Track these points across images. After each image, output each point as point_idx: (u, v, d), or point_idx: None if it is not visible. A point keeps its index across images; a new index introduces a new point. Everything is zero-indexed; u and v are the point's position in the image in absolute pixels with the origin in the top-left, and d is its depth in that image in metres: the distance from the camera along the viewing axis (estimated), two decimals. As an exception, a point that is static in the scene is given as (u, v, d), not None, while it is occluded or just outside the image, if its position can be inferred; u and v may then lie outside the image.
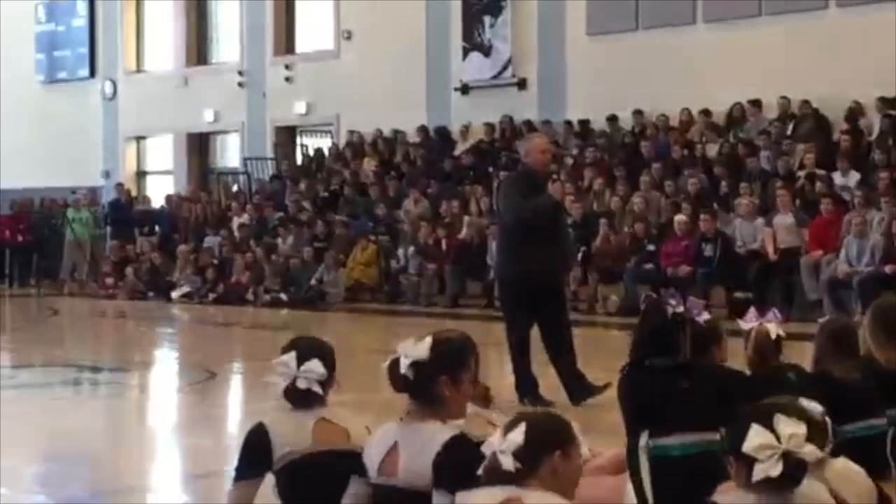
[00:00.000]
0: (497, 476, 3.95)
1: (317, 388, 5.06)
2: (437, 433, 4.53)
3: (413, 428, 4.65)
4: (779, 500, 4.08)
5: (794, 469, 4.05)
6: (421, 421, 4.64)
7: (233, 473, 5.09)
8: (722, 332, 6.66)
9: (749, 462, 4.06)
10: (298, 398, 5.08)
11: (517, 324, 10.57)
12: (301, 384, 5.06)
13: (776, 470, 4.01)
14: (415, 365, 4.62)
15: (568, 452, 4.05)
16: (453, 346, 4.81)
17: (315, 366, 5.05)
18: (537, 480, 3.95)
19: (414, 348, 4.66)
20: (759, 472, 4.04)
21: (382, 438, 4.73)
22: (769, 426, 4.06)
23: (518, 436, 3.94)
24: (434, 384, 4.65)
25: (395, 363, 4.68)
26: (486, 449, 4.08)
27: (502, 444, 3.94)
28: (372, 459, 4.70)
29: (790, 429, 4.06)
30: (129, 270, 25.72)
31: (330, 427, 5.04)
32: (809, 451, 4.05)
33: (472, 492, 4.03)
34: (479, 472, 4.01)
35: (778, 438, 4.04)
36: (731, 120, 22.05)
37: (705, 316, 6.57)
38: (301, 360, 5.07)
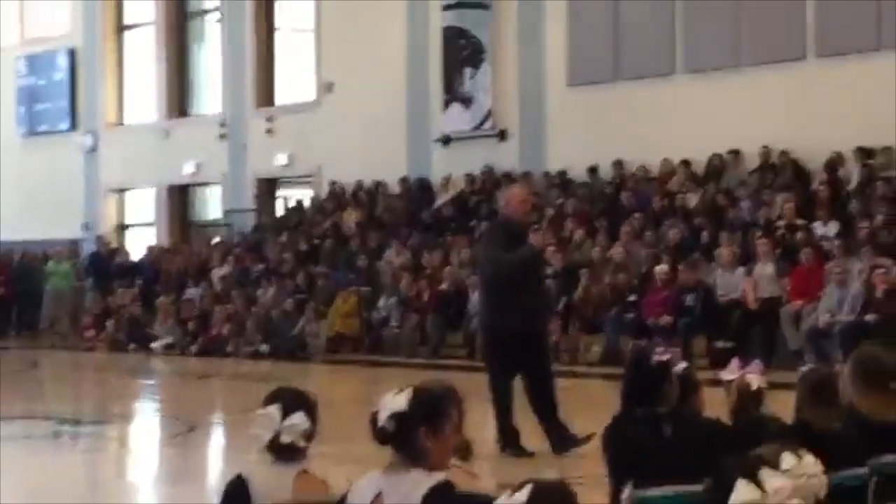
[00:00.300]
0: None
1: (301, 443, 5.04)
2: (421, 482, 4.51)
3: (396, 477, 4.64)
4: None
5: None
6: (405, 470, 4.64)
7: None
8: (699, 382, 6.68)
9: None
10: (281, 452, 5.05)
11: (500, 374, 10.56)
12: (285, 438, 5.03)
13: None
14: (394, 417, 4.62)
15: None
16: (433, 396, 4.81)
17: (299, 419, 5.02)
18: None
19: (393, 400, 4.66)
20: None
21: (366, 487, 4.72)
22: (755, 480, 4.05)
23: (522, 498, 3.86)
24: (414, 436, 4.64)
25: (373, 416, 4.68)
26: None
27: None
28: None
29: (777, 483, 4.04)
30: (109, 323, 25.63)
31: (310, 479, 5.01)
32: None
33: None
34: None
35: (764, 494, 4.02)
36: (710, 170, 22.13)
37: (682, 365, 6.59)
38: (286, 413, 5.04)
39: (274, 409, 5.05)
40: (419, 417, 4.64)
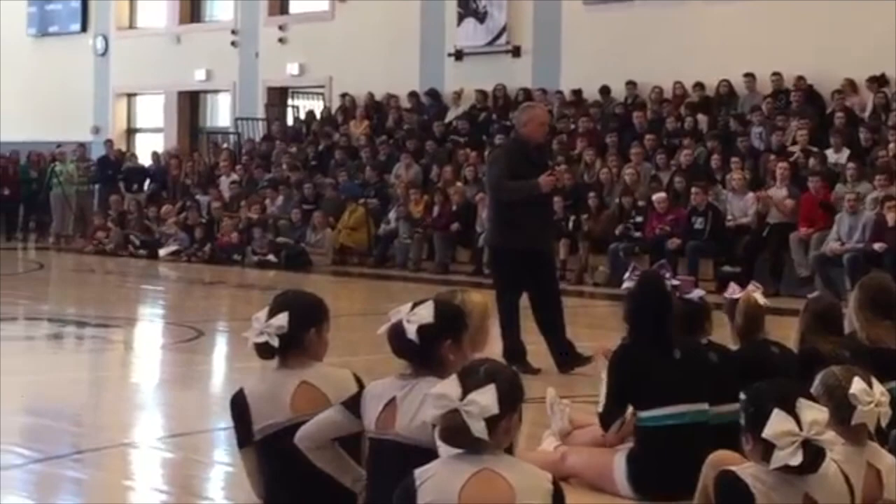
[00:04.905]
0: (462, 440, 3.80)
1: (274, 342, 5.00)
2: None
3: (412, 383, 4.64)
4: (797, 479, 4.06)
5: (813, 457, 4.01)
6: (421, 377, 4.63)
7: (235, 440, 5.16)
8: (710, 309, 6.68)
9: (769, 445, 4.03)
10: (261, 352, 5.07)
11: (507, 292, 10.56)
12: (260, 338, 5.02)
13: (796, 459, 3.98)
14: (420, 329, 4.61)
15: (520, 410, 3.92)
16: (455, 309, 4.83)
17: (278, 320, 4.99)
18: (497, 443, 3.82)
19: (417, 312, 4.64)
20: (777, 460, 4.01)
21: (380, 393, 4.72)
22: (791, 411, 4.03)
23: (490, 398, 3.79)
24: (438, 347, 4.64)
25: (396, 328, 4.66)
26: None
27: (470, 406, 3.76)
28: (369, 414, 4.69)
29: (812, 415, 4.02)
30: (116, 227, 25.62)
31: (310, 392, 5.00)
32: (829, 439, 4.02)
33: (442, 460, 3.88)
34: (438, 430, 3.84)
35: (799, 425, 4.00)
36: (723, 94, 21.98)
37: (698, 293, 6.58)
38: (271, 314, 5.03)
39: (263, 313, 5.06)
40: (444, 330, 4.65)
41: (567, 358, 10.47)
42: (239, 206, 24.44)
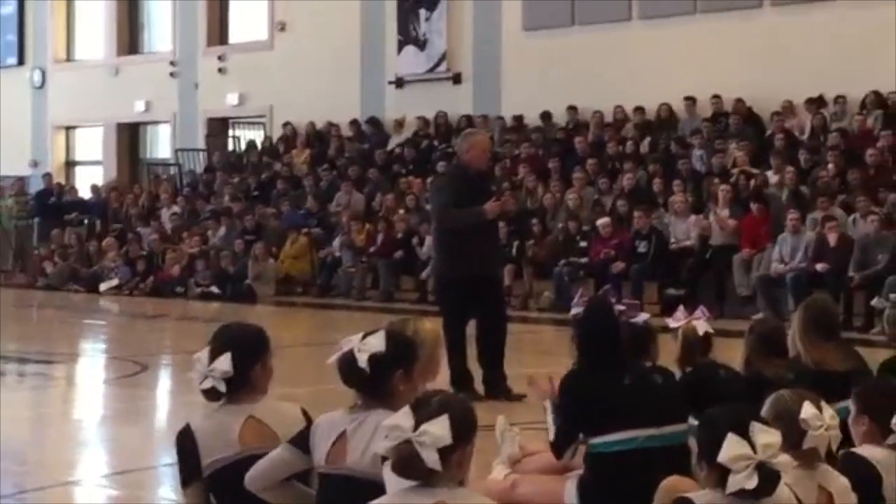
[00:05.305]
0: (415, 472, 3.74)
1: (221, 387, 4.91)
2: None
3: (363, 416, 4.58)
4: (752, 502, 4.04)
5: (768, 480, 4.00)
6: (371, 409, 4.57)
7: (177, 476, 5.07)
8: (655, 333, 6.67)
9: (724, 471, 4.01)
10: (208, 396, 4.99)
11: (454, 320, 10.51)
12: (206, 383, 4.93)
13: (751, 482, 3.96)
14: (371, 358, 4.56)
15: (474, 442, 3.86)
16: (407, 339, 4.78)
17: (222, 363, 4.89)
18: (451, 475, 3.76)
19: (369, 342, 4.59)
20: (733, 484, 3.99)
21: (330, 427, 4.65)
22: (745, 435, 4.01)
23: (443, 429, 3.73)
24: (389, 377, 4.59)
25: (347, 357, 4.60)
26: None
27: (423, 437, 3.70)
28: (319, 449, 4.62)
29: (765, 438, 4.01)
30: (56, 262, 25.37)
31: (258, 428, 4.93)
32: (783, 461, 4.00)
33: (396, 493, 3.81)
34: (391, 462, 3.76)
35: (753, 448, 3.99)
36: (664, 118, 22.11)
37: (643, 317, 6.57)
38: (213, 356, 4.93)
39: (204, 354, 4.96)
40: (396, 359, 4.59)
41: (497, 388, 10.44)
42: (181, 238, 24.29)
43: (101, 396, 12.32)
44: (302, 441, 4.68)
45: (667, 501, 4.46)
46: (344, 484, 4.53)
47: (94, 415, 11.15)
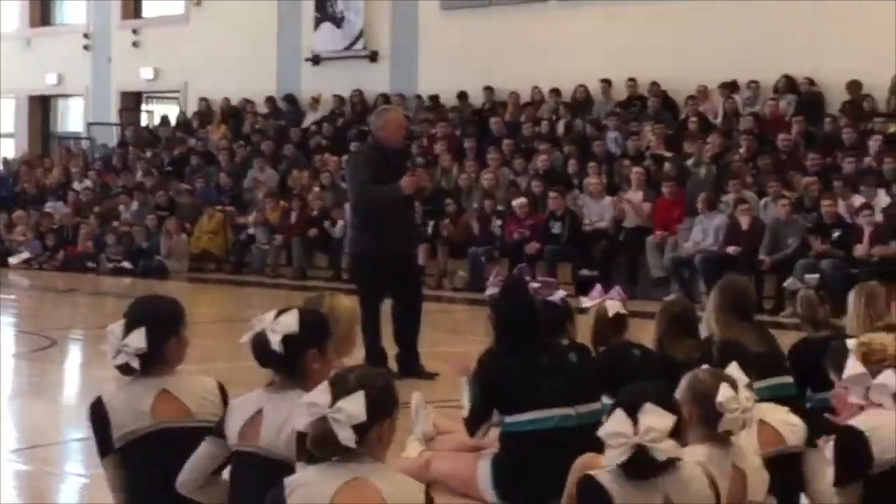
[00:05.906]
0: (332, 449, 3.72)
1: (134, 363, 4.87)
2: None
3: (278, 396, 4.55)
4: (657, 481, 4.05)
5: (643, 463, 3.99)
6: (287, 390, 4.55)
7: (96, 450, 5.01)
8: (573, 311, 6.71)
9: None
10: (122, 371, 4.95)
11: (370, 299, 10.46)
12: (119, 359, 4.89)
13: (620, 459, 3.97)
14: (285, 339, 4.52)
15: (395, 418, 3.86)
16: (321, 318, 4.74)
17: (136, 339, 4.85)
18: (369, 452, 3.75)
19: (282, 321, 4.55)
20: (608, 459, 4.01)
21: (246, 405, 4.63)
22: (633, 414, 4.01)
23: (358, 406, 3.72)
24: (303, 357, 4.56)
25: (260, 337, 4.56)
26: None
27: (338, 413, 3.67)
28: (232, 426, 4.59)
29: (651, 421, 4.00)
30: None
31: (171, 402, 4.89)
32: (666, 448, 3.99)
33: (313, 469, 3.80)
34: (309, 438, 3.75)
35: (635, 429, 3.98)
36: (579, 100, 22.20)
37: (560, 294, 6.60)
38: (128, 330, 4.89)
39: (118, 327, 4.91)
40: (309, 339, 4.56)
41: (410, 367, 10.44)
42: (92, 213, 24.02)
43: (9, 371, 12.13)
44: (219, 429, 4.66)
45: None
46: (257, 462, 4.51)
47: (3, 389, 11.00)
